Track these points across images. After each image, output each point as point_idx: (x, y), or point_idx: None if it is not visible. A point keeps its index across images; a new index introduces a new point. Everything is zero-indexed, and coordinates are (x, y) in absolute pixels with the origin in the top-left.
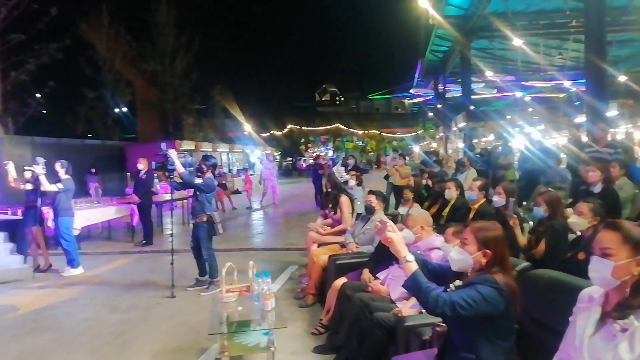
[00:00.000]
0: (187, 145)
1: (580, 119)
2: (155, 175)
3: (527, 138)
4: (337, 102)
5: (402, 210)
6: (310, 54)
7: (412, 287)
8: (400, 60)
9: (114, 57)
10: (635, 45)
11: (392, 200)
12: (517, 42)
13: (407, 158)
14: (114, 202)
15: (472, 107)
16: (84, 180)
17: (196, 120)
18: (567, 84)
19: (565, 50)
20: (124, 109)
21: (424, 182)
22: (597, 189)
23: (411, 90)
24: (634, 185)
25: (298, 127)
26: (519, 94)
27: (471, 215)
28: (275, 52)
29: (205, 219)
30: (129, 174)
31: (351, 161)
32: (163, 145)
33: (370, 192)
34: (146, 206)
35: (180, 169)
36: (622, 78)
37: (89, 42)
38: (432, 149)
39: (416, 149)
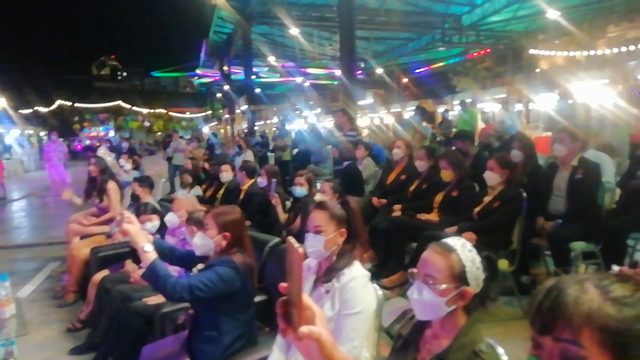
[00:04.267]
0: None
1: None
2: None
3: (304, 121)
4: (119, 78)
5: (181, 193)
6: (86, 20)
7: (151, 277)
8: (187, 38)
9: None
10: (388, 42)
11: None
12: (294, 31)
13: (200, 139)
14: None
15: (258, 90)
16: None
17: None
18: (337, 73)
19: (335, 42)
20: None
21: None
22: (343, 167)
23: (198, 70)
24: (376, 164)
25: (70, 103)
26: (299, 80)
27: (241, 196)
28: (39, 12)
29: None
30: None
31: (125, 144)
32: None
33: (136, 179)
34: None
35: None
36: (380, 70)
37: None
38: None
39: (206, 129)
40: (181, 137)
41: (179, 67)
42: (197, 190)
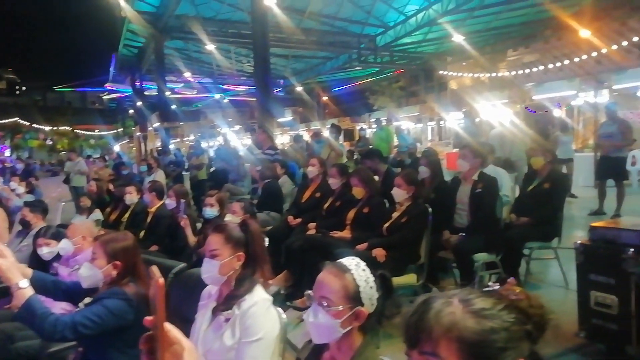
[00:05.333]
0: None
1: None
2: None
3: (222, 138)
4: (17, 92)
5: (78, 218)
6: None
7: (26, 316)
8: (95, 51)
9: None
10: (307, 60)
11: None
12: (210, 46)
13: (107, 158)
14: None
15: (173, 106)
16: None
17: None
18: None
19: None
20: None
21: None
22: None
23: (107, 85)
24: (292, 182)
25: None
26: (218, 96)
27: (149, 219)
28: None
29: None
30: None
31: (20, 165)
32: None
33: (26, 203)
34: None
35: None
36: (299, 88)
37: None
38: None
39: (117, 147)
40: (88, 157)
41: (86, 82)
42: (97, 214)
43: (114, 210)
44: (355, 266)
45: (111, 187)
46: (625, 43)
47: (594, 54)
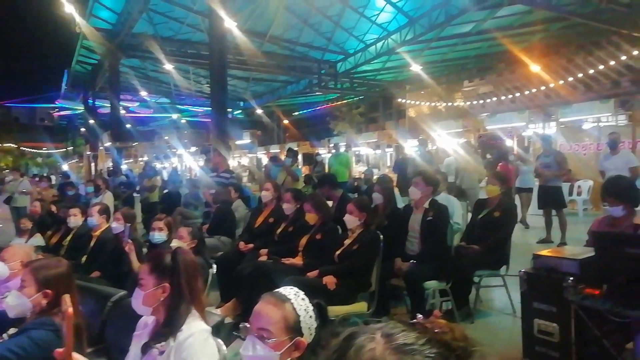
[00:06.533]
0: None
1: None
2: None
3: (178, 160)
4: None
5: (17, 241)
6: None
7: None
8: (46, 66)
9: None
10: (267, 83)
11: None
12: (168, 66)
13: (54, 178)
14: None
15: (128, 126)
16: None
17: None
18: None
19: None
20: None
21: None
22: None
23: (58, 101)
24: (246, 206)
25: None
26: (175, 116)
27: (92, 243)
28: None
29: None
30: None
31: None
32: None
33: None
34: None
35: None
36: (259, 111)
37: None
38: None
39: (65, 166)
40: (34, 175)
41: (35, 97)
42: (38, 239)
43: (55, 233)
44: (294, 295)
45: (54, 208)
46: (571, 79)
47: (543, 87)
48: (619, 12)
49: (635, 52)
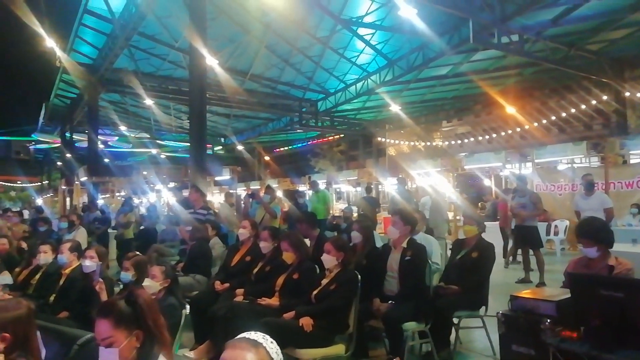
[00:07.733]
0: None
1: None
2: None
3: (156, 196)
4: None
5: None
6: None
7: None
8: (23, 99)
9: None
10: (248, 120)
11: None
12: (149, 101)
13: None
14: None
15: (107, 160)
16: None
17: None
18: None
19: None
20: None
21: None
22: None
23: (35, 135)
24: (223, 244)
25: None
26: (155, 151)
27: (61, 282)
28: None
29: None
30: None
31: None
32: None
33: None
34: None
35: None
36: (240, 147)
37: None
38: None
39: (39, 201)
40: (5, 210)
41: (12, 130)
42: (6, 278)
43: (23, 270)
44: (263, 339)
45: (24, 244)
46: (545, 121)
47: (519, 129)
48: (587, 59)
49: (605, 97)
